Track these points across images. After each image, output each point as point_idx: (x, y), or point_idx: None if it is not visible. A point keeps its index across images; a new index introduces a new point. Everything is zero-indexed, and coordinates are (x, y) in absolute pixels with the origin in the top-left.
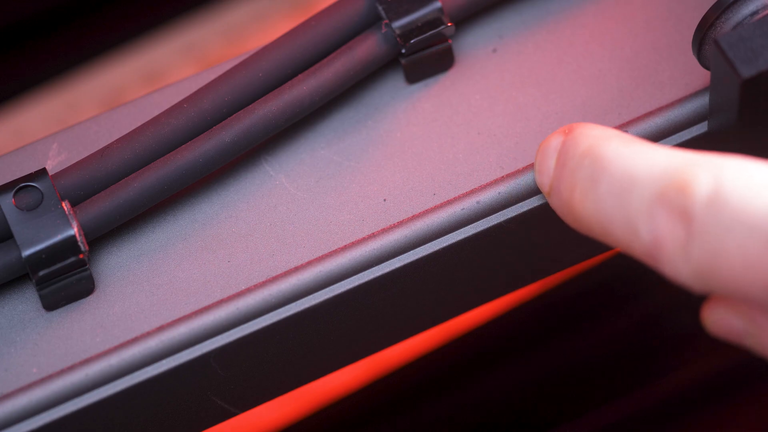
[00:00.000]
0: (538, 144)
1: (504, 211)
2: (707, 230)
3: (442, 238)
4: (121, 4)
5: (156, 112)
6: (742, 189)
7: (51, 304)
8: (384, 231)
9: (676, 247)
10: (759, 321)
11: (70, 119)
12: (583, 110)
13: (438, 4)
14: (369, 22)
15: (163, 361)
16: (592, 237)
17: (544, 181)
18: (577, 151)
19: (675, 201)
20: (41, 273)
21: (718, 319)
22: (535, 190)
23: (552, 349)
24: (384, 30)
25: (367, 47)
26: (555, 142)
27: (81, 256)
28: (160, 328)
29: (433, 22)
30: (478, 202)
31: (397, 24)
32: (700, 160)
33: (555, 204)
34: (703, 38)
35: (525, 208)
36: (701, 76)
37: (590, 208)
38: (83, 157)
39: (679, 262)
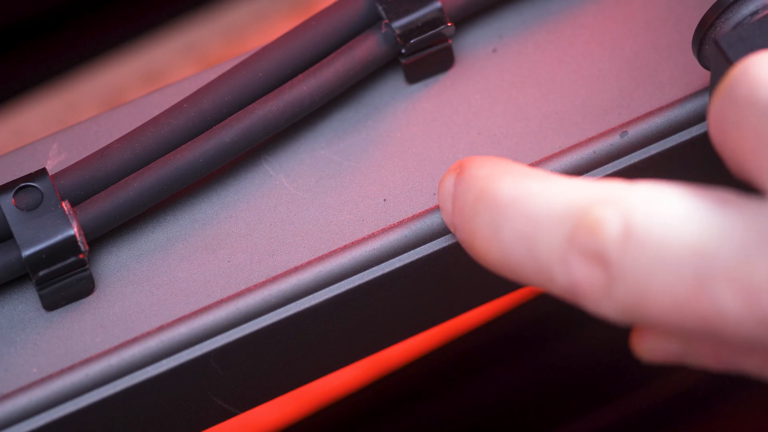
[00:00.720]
0: (539, 144)
1: None
2: (627, 271)
3: (442, 238)
4: (121, 4)
5: (156, 112)
6: (654, 226)
7: (51, 304)
8: (384, 231)
9: (597, 290)
10: (692, 343)
11: (70, 119)
12: (583, 110)
13: (438, 4)
14: (369, 22)
15: (163, 361)
16: (506, 278)
17: (449, 222)
18: (469, 196)
19: (586, 244)
20: (41, 273)
21: (651, 348)
22: None
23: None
24: (384, 30)
25: (367, 47)
26: (448, 183)
27: (81, 256)
28: (160, 328)
29: (433, 22)
30: None
31: (397, 24)
32: (602, 195)
33: (463, 245)
34: (703, 38)
35: None
36: (701, 76)
37: (496, 253)
38: (83, 157)
39: (602, 303)
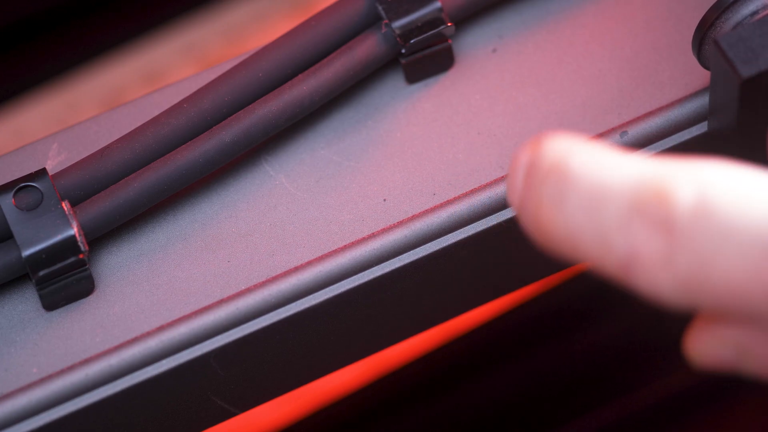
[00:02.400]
0: None
1: (504, 211)
2: (694, 241)
3: (442, 238)
4: (121, 4)
5: (156, 112)
6: (730, 199)
7: (51, 304)
8: (384, 231)
9: (656, 259)
10: (749, 343)
11: (70, 119)
12: (583, 110)
13: (438, 4)
14: (369, 22)
15: (163, 361)
16: (561, 255)
17: (514, 199)
18: (543, 167)
19: (654, 212)
20: (41, 273)
21: (705, 352)
22: None
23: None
24: (384, 30)
25: (367, 47)
26: (523, 158)
27: (81, 256)
28: (160, 328)
29: (433, 22)
30: (478, 202)
31: (397, 24)
32: (677, 168)
33: (524, 222)
34: (703, 38)
35: None
36: (701, 76)
37: (559, 223)
38: (83, 157)
39: (659, 274)
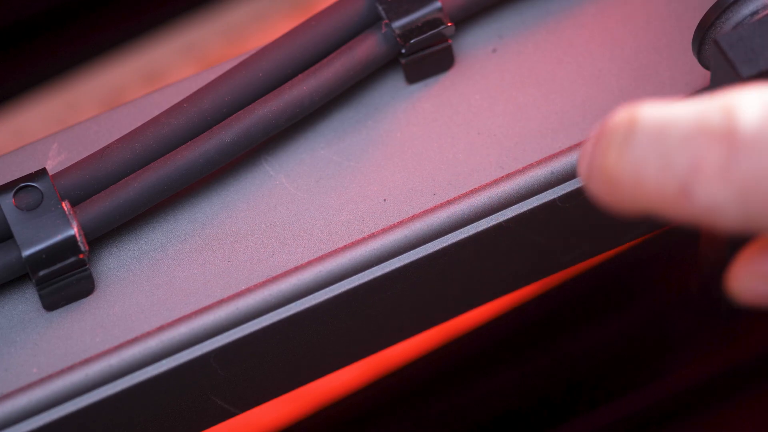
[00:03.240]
0: (539, 144)
1: (504, 210)
2: (755, 150)
3: (442, 238)
4: (121, 4)
5: (156, 112)
6: None
7: (51, 304)
8: (384, 231)
9: (716, 168)
10: None
11: (70, 119)
12: (583, 110)
13: (438, 4)
14: (369, 22)
15: (163, 361)
16: (626, 204)
17: (582, 165)
18: (611, 123)
19: (718, 126)
20: (41, 273)
21: (748, 287)
22: (534, 191)
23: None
24: (384, 30)
25: (367, 47)
26: (593, 132)
27: (81, 256)
28: (160, 328)
29: (433, 22)
30: (478, 202)
31: (397, 24)
32: (745, 90)
33: (591, 181)
34: (703, 38)
35: (525, 208)
36: (701, 76)
37: (624, 163)
38: (83, 157)
39: (717, 185)
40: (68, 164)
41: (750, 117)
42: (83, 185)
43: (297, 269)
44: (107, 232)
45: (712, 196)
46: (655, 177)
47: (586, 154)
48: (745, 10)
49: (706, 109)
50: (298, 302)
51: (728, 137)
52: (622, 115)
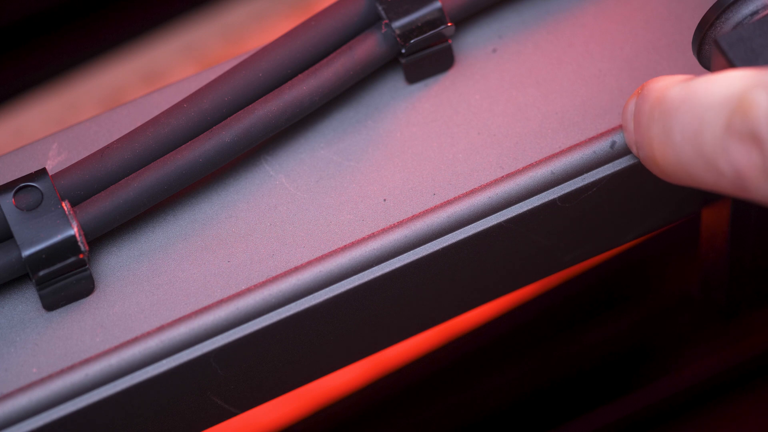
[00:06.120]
0: (539, 144)
1: (504, 211)
2: None
3: (442, 238)
4: (121, 4)
5: (156, 112)
6: None
7: (51, 304)
8: (384, 231)
9: (758, 173)
10: None
11: (70, 119)
12: (583, 110)
13: (438, 4)
14: (369, 22)
15: (163, 361)
16: (686, 185)
17: (630, 141)
18: (646, 107)
19: (742, 128)
20: (41, 273)
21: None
22: (534, 191)
23: (551, 349)
24: (384, 30)
25: (367, 47)
26: (631, 105)
27: (81, 256)
28: (160, 328)
29: (433, 22)
30: (478, 202)
31: (397, 24)
32: (756, 78)
33: (644, 161)
34: (703, 38)
35: (525, 208)
36: None
37: (671, 158)
38: (83, 157)
39: (764, 186)
40: (68, 164)
41: (762, 111)
42: (83, 185)
43: (297, 269)
44: (107, 232)
45: (764, 195)
46: (705, 175)
47: (629, 136)
48: (745, 10)
49: (728, 106)
50: (298, 302)
51: (753, 138)
52: (650, 99)
